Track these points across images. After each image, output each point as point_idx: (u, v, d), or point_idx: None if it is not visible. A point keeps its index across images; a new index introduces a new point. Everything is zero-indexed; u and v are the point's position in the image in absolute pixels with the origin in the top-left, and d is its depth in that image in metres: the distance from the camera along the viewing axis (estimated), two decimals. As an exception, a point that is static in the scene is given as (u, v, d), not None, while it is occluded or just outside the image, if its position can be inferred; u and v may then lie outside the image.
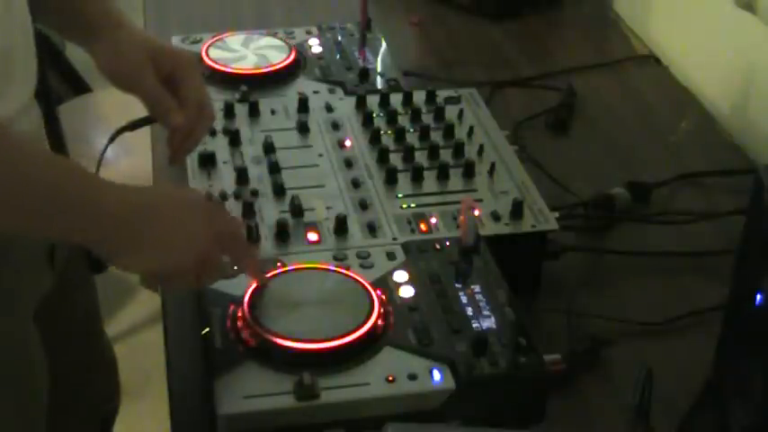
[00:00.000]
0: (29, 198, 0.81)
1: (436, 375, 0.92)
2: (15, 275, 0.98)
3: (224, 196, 1.14)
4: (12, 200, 0.80)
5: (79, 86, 2.82)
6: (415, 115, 1.31)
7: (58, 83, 2.78)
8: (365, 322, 0.95)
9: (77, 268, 1.13)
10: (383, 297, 1.00)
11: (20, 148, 0.82)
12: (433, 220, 1.13)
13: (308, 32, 1.54)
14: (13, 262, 0.95)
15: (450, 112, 1.32)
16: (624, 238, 1.28)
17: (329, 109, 1.33)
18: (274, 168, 1.19)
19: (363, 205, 1.15)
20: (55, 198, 0.82)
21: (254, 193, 1.15)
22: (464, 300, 1.00)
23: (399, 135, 1.26)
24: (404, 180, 1.19)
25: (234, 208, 1.13)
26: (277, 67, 1.41)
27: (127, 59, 1.06)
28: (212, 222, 0.91)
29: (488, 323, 0.98)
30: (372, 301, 0.98)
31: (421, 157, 1.22)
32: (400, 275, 1.04)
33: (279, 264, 1.04)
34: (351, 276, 1.02)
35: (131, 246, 0.86)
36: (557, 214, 1.15)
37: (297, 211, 1.12)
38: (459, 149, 1.23)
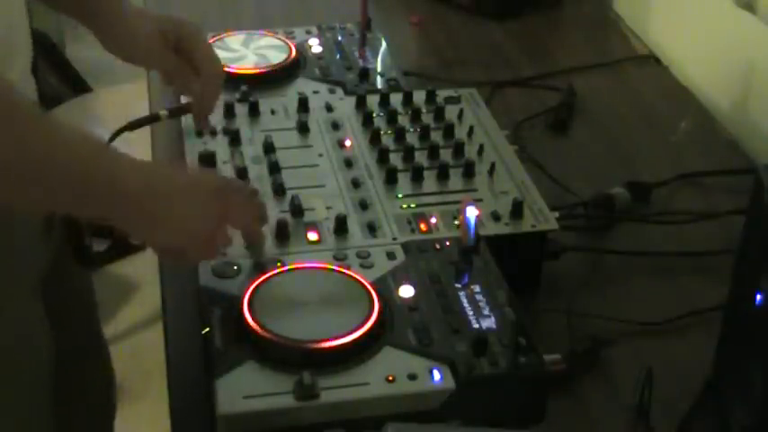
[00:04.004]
0: (56, 175, 0.84)
1: (436, 375, 0.92)
2: (15, 252, 1.00)
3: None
4: (39, 176, 0.82)
5: (79, 86, 2.82)
6: (415, 115, 1.31)
7: (58, 83, 2.78)
8: (365, 322, 0.95)
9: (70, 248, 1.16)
10: (383, 297, 1.00)
11: (45, 125, 0.84)
12: (433, 220, 1.13)
13: (308, 32, 1.54)
14: (11, 238, 0.98)
15: (450, 112, 1.32)
16: (624, 238, 1.27)
17: (329, 109, 1.33)
18: (274, 168, 1.19)
19: (363, 205, 1.15)
20: (82, 176, 0.85)
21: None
22: (464, 300, 1.00)
23: (399, 135, 1.26)
24: (404, 180, 1.19)
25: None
26: (277, 67, 1.41)
27: (142, 39, 1.14)
28: (224, 202, 0.97)
29: (488, 323, 0.98)
30: (372, 301, 0.98)
31: (421, 157, 1.22)
32: (400, 275, 1.04)
33: (279, 264, 1.04)
34: (351, 276, 1.02)
35: (148, 223, 0.93)
36: (557, 214, 1.15)
37: (297, 211, 1.12)
38: (459, 149, 1.23)
